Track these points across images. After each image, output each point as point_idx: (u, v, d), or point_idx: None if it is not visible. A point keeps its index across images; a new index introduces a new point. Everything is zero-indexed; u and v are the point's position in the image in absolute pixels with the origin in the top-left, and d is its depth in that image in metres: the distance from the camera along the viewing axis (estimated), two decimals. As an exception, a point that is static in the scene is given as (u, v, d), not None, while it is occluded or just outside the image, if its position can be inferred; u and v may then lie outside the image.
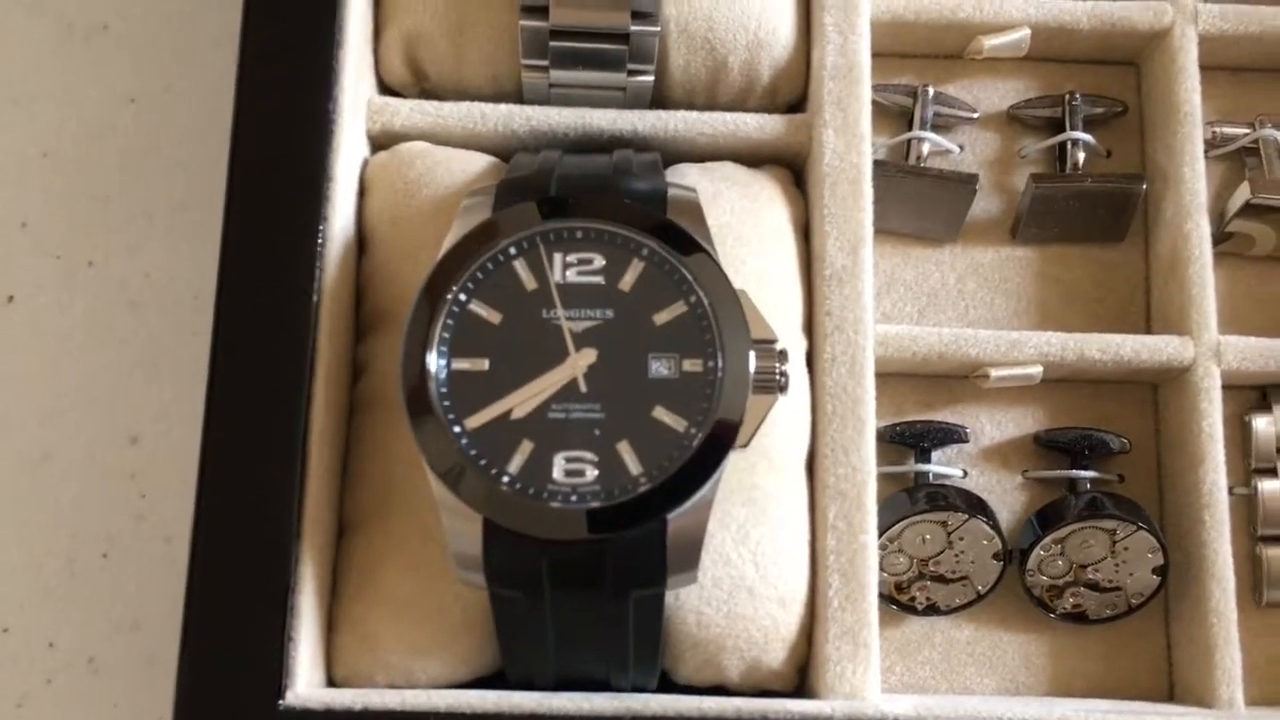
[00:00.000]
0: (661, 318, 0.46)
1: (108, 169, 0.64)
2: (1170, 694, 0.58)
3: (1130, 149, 0.63)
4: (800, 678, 0.52)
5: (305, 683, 0.47)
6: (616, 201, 0.47)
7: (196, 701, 0.45)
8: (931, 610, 0.57)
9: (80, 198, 0.64)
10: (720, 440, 0.45)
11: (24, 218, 0.64)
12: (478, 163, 0.54)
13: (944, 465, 0.59)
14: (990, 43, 0.61)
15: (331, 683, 0.50)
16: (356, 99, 0.53)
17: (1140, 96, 0.64)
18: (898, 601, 0.57)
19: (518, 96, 0.56)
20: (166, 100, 0.65)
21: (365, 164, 0.55)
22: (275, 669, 0.46)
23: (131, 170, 0.64)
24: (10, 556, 0.60)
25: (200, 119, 0.65)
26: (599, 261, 0.47)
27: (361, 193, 0.54)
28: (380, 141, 0.56)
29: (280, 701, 0.45)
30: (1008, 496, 0.60)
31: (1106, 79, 0.64)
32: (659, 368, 0.46)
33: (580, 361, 0.46)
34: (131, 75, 0.65)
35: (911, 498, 0.57)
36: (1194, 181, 0.59)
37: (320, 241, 0.50)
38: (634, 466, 0.45)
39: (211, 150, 0.64)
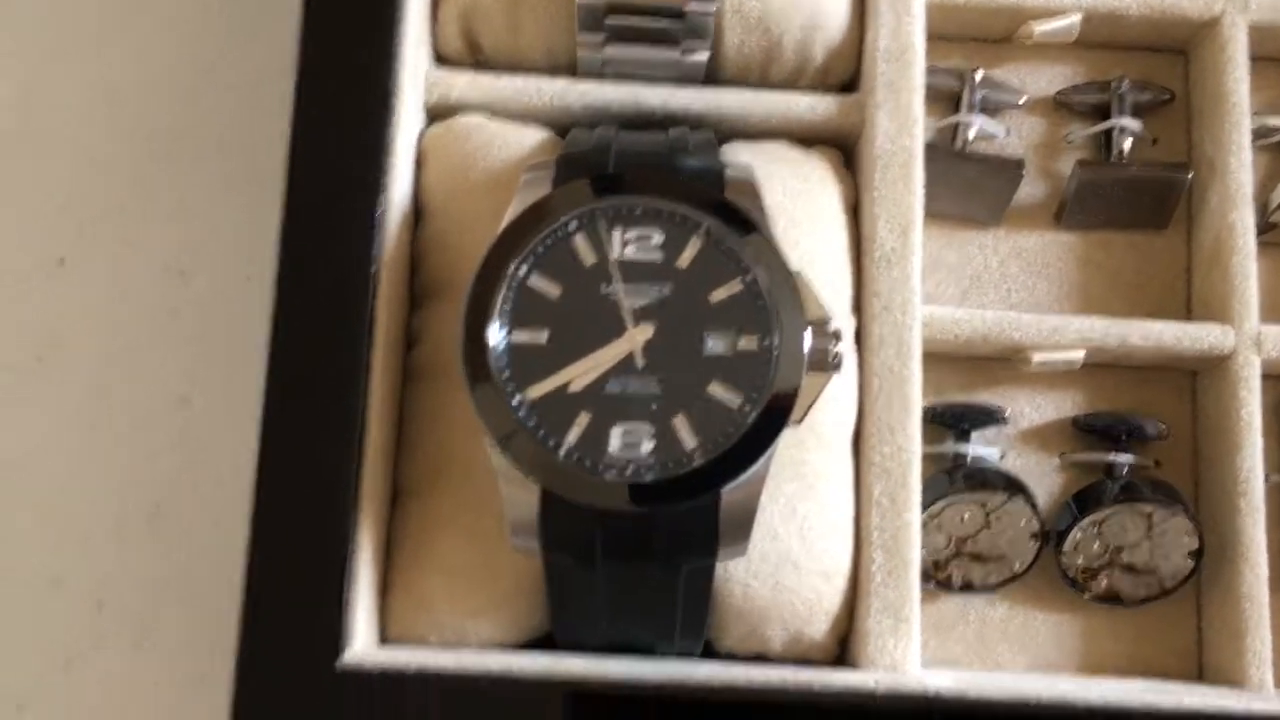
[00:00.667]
0: (718, 295, 0.47)
1: (162, 135, 0.65)
2: (1200, 675, 0.59)
3: (1177, 137, 0.64)
4: (841, 650, 0.53)
5: (362, 643, 0.48)
6: (675, 179, 0.48)
7: (256, 661, 0.46)
8: (967, 588, 0.58)
9: (134, 161, 0.65)
10: (775, 416, 0.46)
11: (76, 179, 0.65)
12: (532, 137, 0.55)
13: (983, 446, 0.60)
14: (1040, 28, 0.61)
15: (385, 641, 0.51)
16: (415, 71, 0.54)
17: (1188, 85, 0.64)
18: (934, 579, 0.58)
19: (572, 70, 0.57)
20: (220, 68, 0.65)
21: (421, 136, 0.55)
22: (334, 630, 0.47)
23: (185, 139, 0.65)
24: (60, 518, 0.61)
25: (257, 86, 0.65)
26: (657, 238, 0.47)
27: (418, 164, 0.55)
28: (435, 113, 0.56)
29: (338, 661, 0.46)
30: (1045, 478, 0.60)
31: (1155, 66, 0.64)
32: (715, 344, 0.47)
33: (638, 336, 0.47)
34: (189, 35, 0.66)
35: (951, 478, 0.58)
36: (1239, 172, 0.59)
37: (380, 212, 0.50)
38: (689, 441, 0.46)
39: (265, 119, 0.64)
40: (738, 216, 0.48)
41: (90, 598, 0.60)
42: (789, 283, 0.47)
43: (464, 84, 0.56)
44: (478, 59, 0.58)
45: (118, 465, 0.62)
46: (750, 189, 0.49)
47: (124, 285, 0.63)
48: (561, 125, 0.56)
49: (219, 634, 0.59)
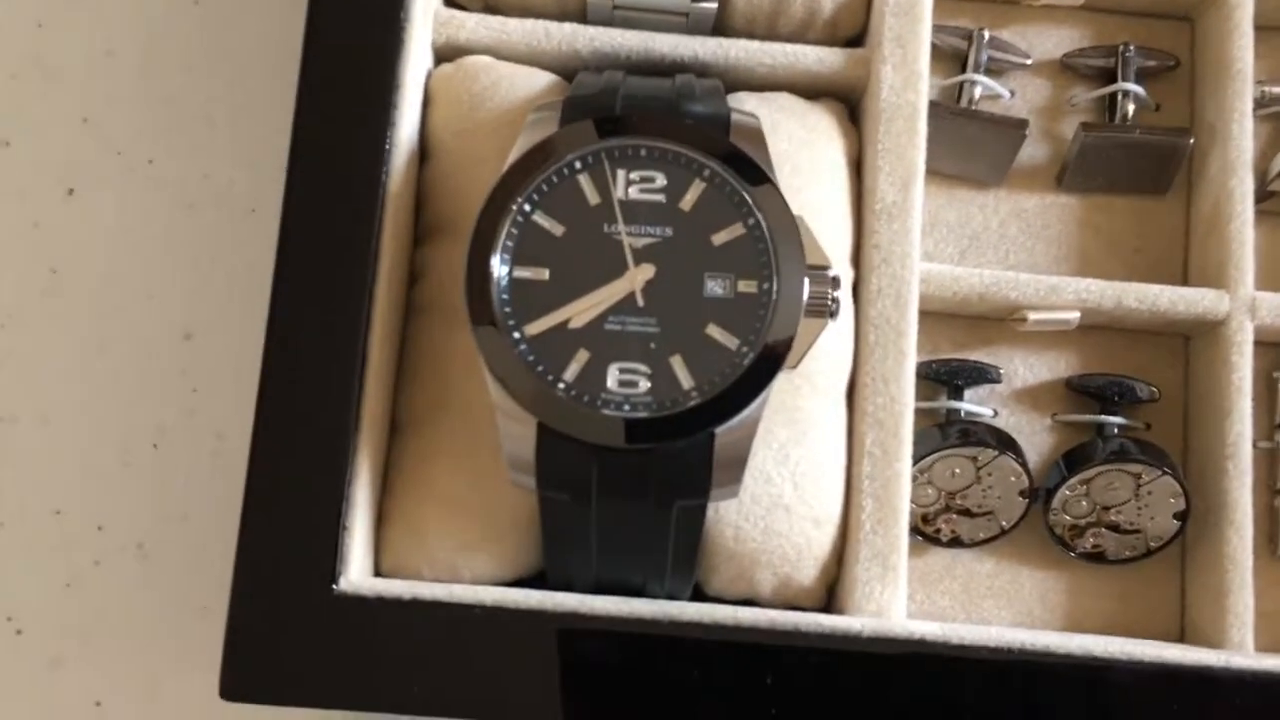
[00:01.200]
0: (719, 238, 0.48)
1: (171, 69, 0.65)
2: (1181, 636, 0.60)
3: (1179, 103, 0.64)
4: (829, 596, 0.53)
5: (357, 571, 0.48)
6: (681, 122, 0.48)
7: (253, 585, 0.47)
8: (955, 543, 0.59)
9: (142, 97, 0.65)
10: (770, 360, 0.47)
11: (86, 113, 0.65)
12: (540, 80, 0.55)
13: (976, 404, 0.60)
14: (1049, -10, 0.61)
15: (379, 573, 0.51)
16: (425, 11, 0.54)
17: (1193, 52, 0.64)
18: (923, 533, 0.59)
19: (581, 16, 0.57)
20: (231, 2, 0.66)
21: (429, 75, 0.56)
22: (330, 557, 0.47)
23: (194, 72, 0.65)
24: (64, 444, 0.62)
25: (263, 23, 0.65)
26: (661, 180, 0.48)
27: (425, 103, 0.55)
28: (444, 54, 0.57)
29: (334, 587, 0.47)
30: (1036, 438, 0.61)
31: (1160, 32, 0.64)
32: (714, 287, 0.47)
33: (638, 276, 0.47)
34: (196, -23, 0.66)
35: (943, 433, 0.58)
36: (1241, 139, 0.60)
37: (387, 149, 0.51)
38: (685, 380, 0.47)
39: (273, 55, 0.65)
40: (741, 160, 0.48)
41: (91, 521, 0.61)
42: (791, 228, 0.48)
43: (473, 25, 0.56)
44: (489, 2, 0.58)
45: (122, 392, 0.62)
46: (755, 134, 0.49)
47: (131, 216, 0.64)
48: (569, 70, 0.56)
49: (218, 558, 0.60)
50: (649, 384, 0.46)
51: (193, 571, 0.61)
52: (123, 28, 0.65)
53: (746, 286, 0.47)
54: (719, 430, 0.46)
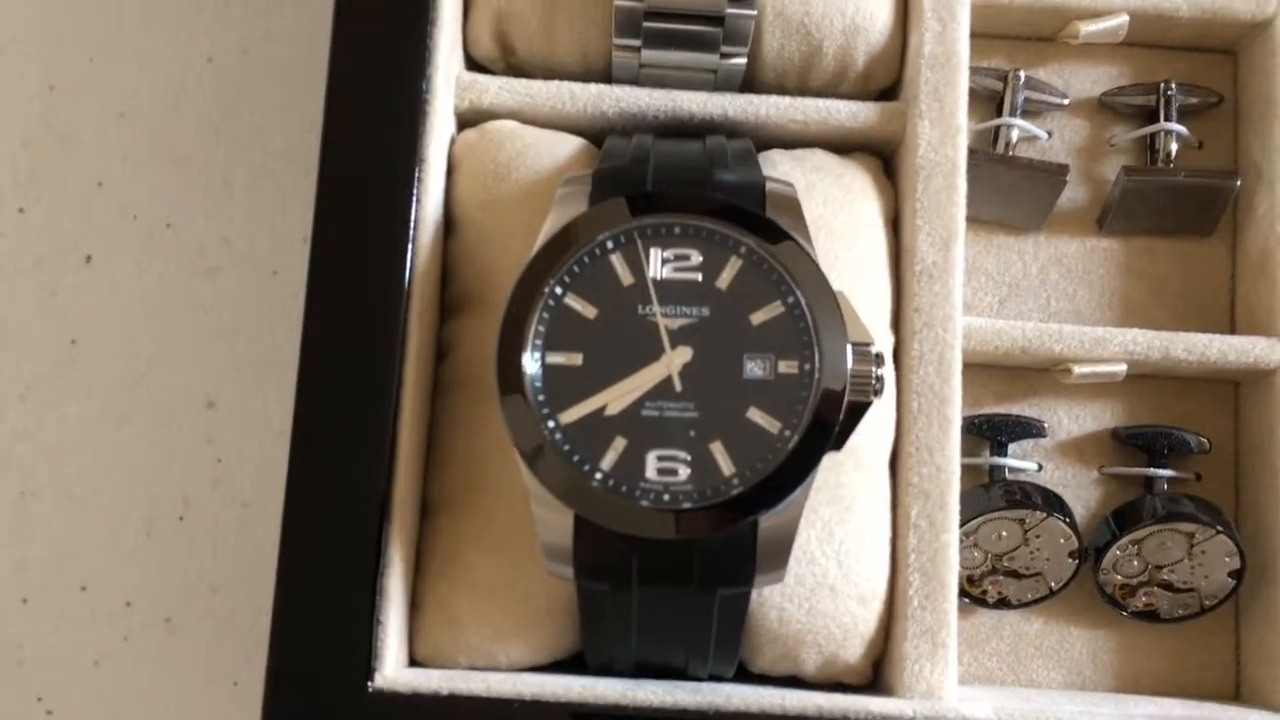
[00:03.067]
0: (758, 317, 0.46)
1: (185, 131, 0.64)
2: (1236, 695, 0.58)
3: (1224, 140, 0.62)
4: (875, 672, 0.52)
5: (392, 664, 0.47)
6: (715, 197, 0.47)
7: (287, 684, 0.46)
8: (1002, 604, 0.57)
9: (157, 159, 0.64)
10: (815, 443, 0.45)
11: (101, 177, 0.64)
12: (567, 146, 0.54)
13: (1019, 459, 0.59)
14: (1087, 28, 0.59)
15: (414, 660, 0.50)
16: (448, 75, 0.53)
17: (1236, 87, 0.62)
18: (969, 594, 0.57)
19: (606, 75, 0.55)
20: (245, 62, 0.64)
21: (453, 142, 0.54)
22: (364, 651, 0.46)
23: (209, 133, 0.64)
24: (88, 517, 0.61)
25: (278, 82, 0.64)
26: (696, 258, 0.46)
27: (449, 171, 0.54)
28: (467, 119, 0.55)
29: (370, 684, 0.46)
30: (1083, 491, 0.59)
31: (1202, 67, 0.62)
32: (754, 368, 0.46)
33: (675, 359, 0.46)
34: (209, 35, 0.65)
35: (988, 493, 0.57)
36: (1290, 179, 0.58)
37: (412, 223, 0.49)
38: (727, 467, 0.45)
39: (291, 116, 0.63)
40: (778, 235, 0.46)
41: (120, 596, 0.60)
42: (831, 304, 0.46)
43: (496, 88, 0.54)
44: (510, 63, 0.56)
45: (146, 464, 0.61)
46: (792, 205, 0.48)
47: (150, 282, 0.63)
48: (596, 131, 0.54)
49: (247, 630, 0.59)
50: (689, 472, 0.45)
51: (222, 644, 0.60)
52: (135, 89, 0.64)
53: (788, 367, 0.46)
54: (762, 517, 0.45)
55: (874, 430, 0.51)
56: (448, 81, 0.53)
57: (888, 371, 0.51)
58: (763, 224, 0.46)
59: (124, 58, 0.64)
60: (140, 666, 0.60)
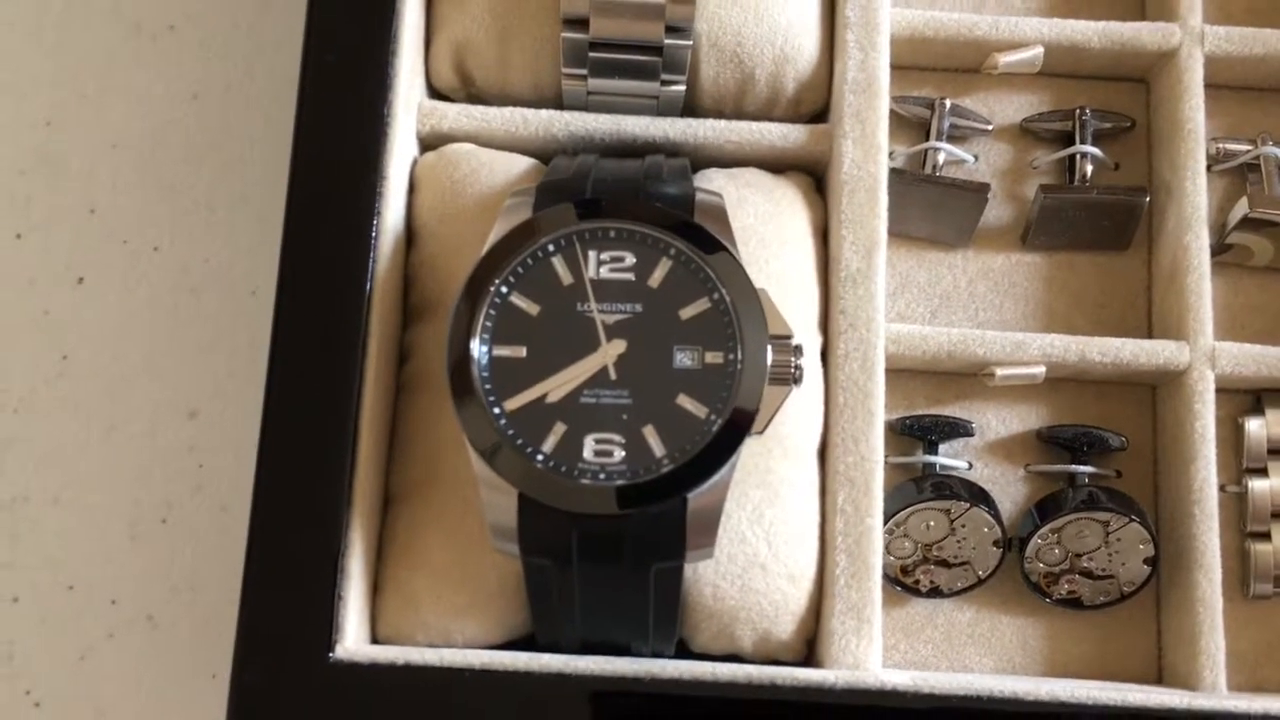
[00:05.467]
0: (687, 313, 0.50)
1: (172, 161, 0.69)
2: (1159, 678, 0.62)
3: (1138, 162, 0.66)
4: (808, 650, 0.55)
5: (353, 639, 0.51)
6: (647, 204, 0.51)
7: (254, 655, 0.50)
8: (934, 593, 0.61)
9: (146, 187, 0.68)
10: (737, 426, 0.49)
11: (93, 204, 0.68)
12: (519, 165, 0.58)
13: (951, 457, 0.62)
14: (1005, 59, 0.64)
15: (375, 641, 0.54)
16: (409, 102, 0.57)
17: (1149, 112, 0.67)
18: (903, 584, 0.61)
19: (557, 102, 0.60)
20: (228, 98, 0.69)
21: (415, 163, 0.59)
22: (326, 626, 0.50)
23: (194, 163, 0.69)
24: (76, 521, 0.65)
25: (258, 117, 0.69)
26: (630, 259, 0.51)
27: (411, 190, 0.58)
28: (429, 142, 0.60)
29: (330, 655, 0.50)
30: (1010, 488, 0.63)
31: (1117, 95, 0.67)
32: (683, 359, 0.50)
33: (611, 351, 0.50)
34: (195, 74, 0.70)
35: (918, 486, 0.61)
36: (1195, 195, 0.62)
37: (374, 235, 0.54)
38: (658, 449, 0.49)
39: (270, 146, 0.68)
40: (705, 238, 0.51)
41: (104, 595, 0.64)
42: (753, 300, 0.50)
43: (455, 114, 0.59)
44: (470, 92, 0.61)
45: (131, 470, 0.65)
46: (719, 212, 0.52)
47: (138, 301, 0.67)
48: (548, 154, 0.59)
49: (226, 627, 0.62)
50: (623, 453, 0.49)
51: (201, 640, 0.64)
52: (126, 123, 0.69)
53: (713, 358, 0.50)
54: (691, 494, 0.49)
55: (801, 421, 0.55)
56: (409, 108, 0.57)
57: (807, 362, 0.55)
58: (691, 229, 0.51)
59: (116, 94, 0.69)
60: (124, 661, 0.63)
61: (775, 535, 0.54)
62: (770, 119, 0.61)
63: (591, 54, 0.57)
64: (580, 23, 0.56)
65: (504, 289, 0.50)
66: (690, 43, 0.57)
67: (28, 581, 0.64)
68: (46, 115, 0.69)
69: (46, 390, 0.66)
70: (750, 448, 0.51)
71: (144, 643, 0.64)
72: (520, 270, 0.51)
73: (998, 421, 0.64)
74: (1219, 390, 0.61)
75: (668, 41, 0.57)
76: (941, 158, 0.65)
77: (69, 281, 0.67)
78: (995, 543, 0.60)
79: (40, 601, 0.64)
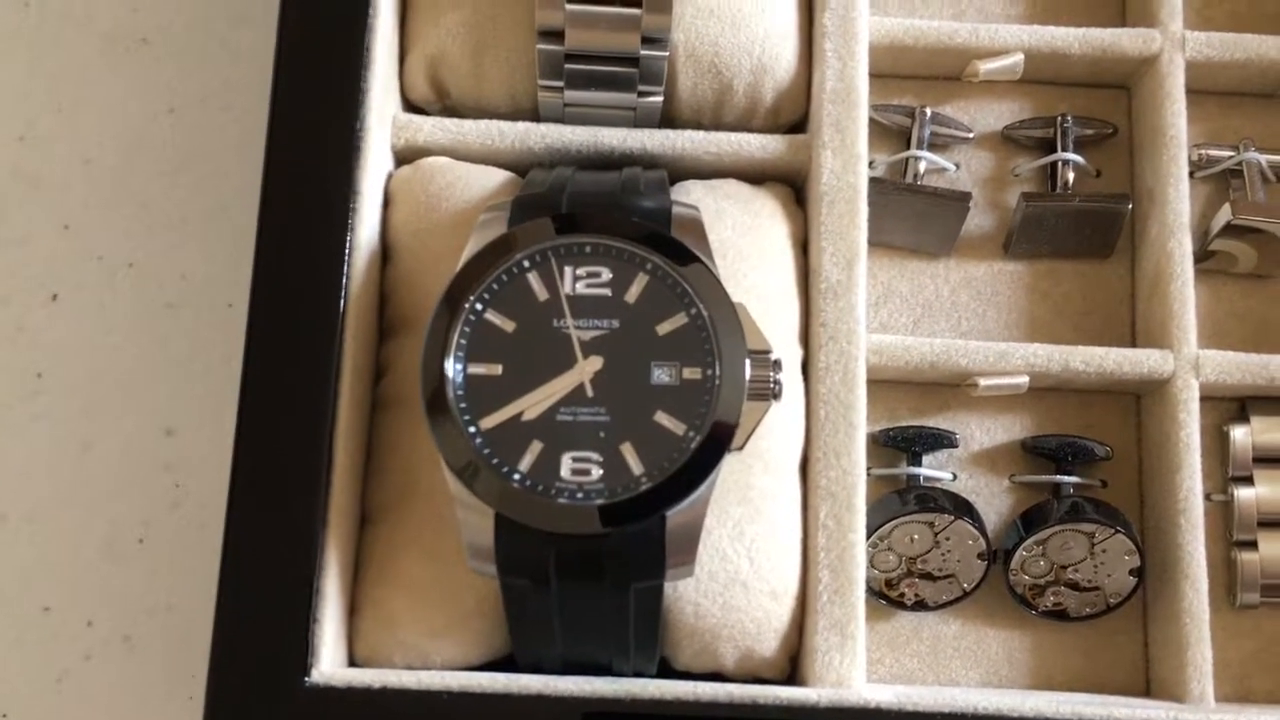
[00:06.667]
0: (664, 328, 0.50)
1: (147, 176, 0.68)
2: (1147, 689, 0.61)
3: (1120, 169, 0.66)
4: (792, 666, 0.55)
5: (329, 661, 0.50)
6: (623, 218, 0.51)
7: (228, 677, 0.49)
8: (919, 606, 0.60)
9: (120, 202, 0.68)
10: (717, 443, 0.49)
11: (67, 220, 0.68)
12: (495, 178, 0.58)
13: (934, 469, 0.62)
14: (985, 67, 0.64)
15: (353, 662, 0.53)
16: (383, 116, 0.57)
17: (1130, 119, 0.66)
18: (887, 597, 0.60)
19: (534, 115, 0.60)
20: (203, 112, 0.69)
21: (390, 177, 0.58)
22: (301, 648, 0.49)
23: (169, 178, 0.68)
24: (52, 541, 0.64)
25: (232, 131, 0.68)
26: (606, 275, 0.50)
27: (385, 204, 0.58)
28: (404, 156, 0.59)
29: (306, 679, 0.49)
30: (995, 499, 0.63)
31: (1098, 101, 0.67)
32: (661, 374, 0.49)
33: (587, 368, 0.49)
34: (169, 88, 0.69)
35: (902, 499, 0.60)
36: (1178, 202, 0.62)
37: (348, 250, 0.53)
38: (636, 466, 0.48)
39: (244, 160, 0.68)
40: (682, 252, 0.50)
41: (81, 616, 0.63)
42: (731, 315, 0.50)
43: (430, 127, 0.58)
44: (445, 105, 0.60)
45: (108, 489, 0.64)
46: (696, 225, 0.51)
47: (113, 317, 0.66)
48: (524, 166, 0.58)
49: (203, 647, 0.62)
50: (601, 471, 0.48)
51: (178, 661, 0.63)
52: (100, 137, 0.68)
53: (691, 373, 0.49)
54: (670, 512, 0.48)
55: (782, 436, 0.55)
56: (382, 121, 0.57)
57: (786, 377, 0.54)
58: (667, 243, 0.50)
59: (90, 108, 0.69)
60: (101, 683, 0.63)
61: (757, 551, 0.53)
62: (749, 129, 0.60)
63: (568, 65, 0.56)
64: (556, 34, 0.56)
65: (479, 306, 0.50)
66: (667, 53, 0.56)
67: (3, 602, 0.63)
68: (20, 130, 0.68)
69: (21, 408, 0.65)
70: (730, 463, 0.50)
71: (121, 664, 0.63)
72: (495, 287, 0.50)
73: (981, 432, 0.63)
74: (1204, 398, 0.61)
75: (644, 52, 0.56)
76: (923, 166, 0.64)
77: (43, 298, 0.67)
78: (980, 555, 0.60)
79: (16, 623, 0.63)
